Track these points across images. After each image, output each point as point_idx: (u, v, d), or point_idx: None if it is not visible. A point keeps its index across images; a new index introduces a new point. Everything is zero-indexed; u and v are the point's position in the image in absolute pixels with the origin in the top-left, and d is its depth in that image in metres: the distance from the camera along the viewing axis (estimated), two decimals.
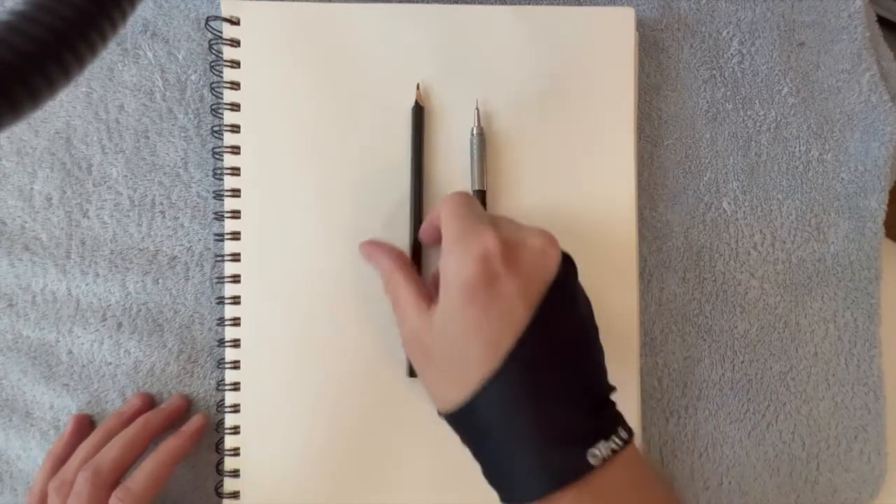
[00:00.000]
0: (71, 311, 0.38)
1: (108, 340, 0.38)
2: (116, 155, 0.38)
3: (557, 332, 0.28)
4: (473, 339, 0.27)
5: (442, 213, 0.30)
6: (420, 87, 0.37)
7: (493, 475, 0.28)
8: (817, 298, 0.40)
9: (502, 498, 0.28)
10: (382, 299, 0.37)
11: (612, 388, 0.30)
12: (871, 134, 0.40)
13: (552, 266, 0.28)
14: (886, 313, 0.40)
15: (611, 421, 0.28)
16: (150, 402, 0.38)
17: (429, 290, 0.30)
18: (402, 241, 0.37)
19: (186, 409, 0.38)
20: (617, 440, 0.27)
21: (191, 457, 0.38)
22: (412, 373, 0.37)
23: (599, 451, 0.26)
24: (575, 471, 0.26)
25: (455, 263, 0.27)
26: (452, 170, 0.38)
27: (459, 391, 0.27)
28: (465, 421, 0.28)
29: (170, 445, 0.35)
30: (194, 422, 0.37)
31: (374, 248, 0.34)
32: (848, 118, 0.41)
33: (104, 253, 0.38)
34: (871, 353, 0.40)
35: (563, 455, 0.26)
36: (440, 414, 0.30)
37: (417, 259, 0.37)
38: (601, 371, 0.30)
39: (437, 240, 0.31)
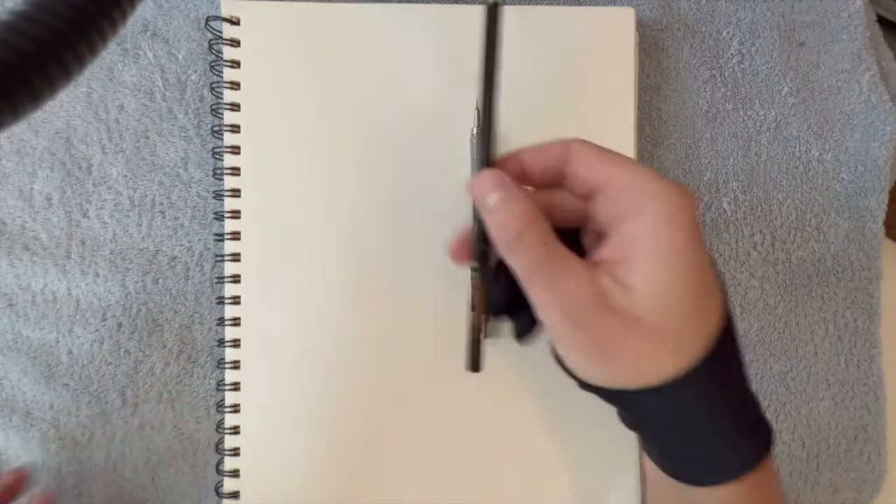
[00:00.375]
0: (71, 311, 0.38)
1: (108, 340, 0.38)
2: (116, 155, 0.38)
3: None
4: (706, 288, 0.23)
5: (593, 156, 0.25)
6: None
7: (678, 458, 0.26)
8: (817, 298, 0.40)
9: (691, 479, 0.26)
10: (383, 298, 0.37)
11: None
12: (871, 134, 0.40)
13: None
14: (886, 313, 0.40)
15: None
16: None
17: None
18: (402, 239, 0.37)
19: (25, 482, 0.36)
20: (771, 435, 0.26)
21: (190, 456, 0.38)
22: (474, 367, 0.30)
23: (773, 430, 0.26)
24: (760, 451, 0.25)
25: (680, 201, 0.23)
26: (451, 167, 0.37)
27: (683, 353, 0.23)
28: (672, 393, 0.23)
29: None
30: (35, 499, 0.35)
31: (505, 185, 0.25)
32: (848, 118, 0.41)
33: (104, 253, 0.38)
34: (871, 353, 0.40)
35: (755, 434, 0.25)
36: (613, 391, 0.25)
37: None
38: None
39: (526, 183, 0.27)
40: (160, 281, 0.38)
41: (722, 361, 0.23)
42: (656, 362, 0.23)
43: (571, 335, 0.23)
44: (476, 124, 0.37)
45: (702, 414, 0.24)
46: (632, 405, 0.25)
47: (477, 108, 0.37)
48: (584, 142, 0.26)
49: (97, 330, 0.38)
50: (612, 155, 0.25)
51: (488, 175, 0.25)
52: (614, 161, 0.25)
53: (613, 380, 0.24)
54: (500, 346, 0.38)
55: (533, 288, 0.24)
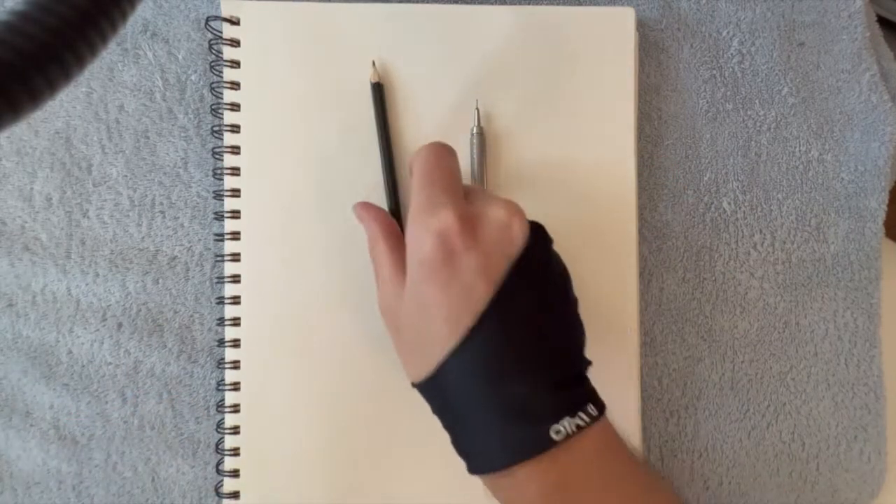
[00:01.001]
0: (71, 311, 0.38)
1: (108, 340, 0.38)
2: (116, 155, 0.38)
3: (523, 308, 0.27)
4: (434, 316, 0.27)
5: (413, 175, 0.30)
6: (376, 63, 0.37)
7: (460, 445, 0.29)
8: (817, 298, 0.40)
9: (469, 468, 0.29)
10: None
11: (587, 363, 0.29)
12: (871, 134, 0.40)
13: (517, 240, 0.27)
14: (886, 313, 0.40)
15: (580, 397, 0.27)
16: None
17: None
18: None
19: None
20: (584, 416, 0.26)
21: (190, 457, 0.38)
22: None
23: (564, 427, 0.26)
24: (536, 446, 0.26)
25: (414, 240, 0.27)
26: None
27: (425, 365, 0.28)
28: (431, 393, 0.29)
29: None
30: None
31: (365, 210, 0.34)
32: (848, 118, 0.41)
33: (104, 253, 0.38)
34: (871, 353, 0.40)
35: (524, 430, 0.26)
36: (412, 384, 0.30)
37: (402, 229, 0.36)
38: (575, 345, 0.29)
39: None
40: (160, 281, 0.38)
41: (456, 379, 0.27)
42: (410, 366, 0.30)
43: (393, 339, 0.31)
44: (476, 124, 0.37)
45: (462, 408, 0.28)
46: (422, 395, 0.30)
47: (477, 109, 0.37)
48: (419, 160, 0.30)
49: (97, 330, 0.38)
50: (420, 180, 0.29)
51: (357, 208, 0.34)
52: (416, 190, 0.29)
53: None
54: None
55: (378, 290, 0.32)
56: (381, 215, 0.33)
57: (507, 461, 0.26)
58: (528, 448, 0.26)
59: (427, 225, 0.27)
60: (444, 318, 0.27)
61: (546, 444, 0.26)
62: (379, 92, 0.37)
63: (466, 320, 0.26)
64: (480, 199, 0.29)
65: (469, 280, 0.26)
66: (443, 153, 0.30)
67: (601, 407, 0.28)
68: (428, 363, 0.27)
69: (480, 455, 0.28)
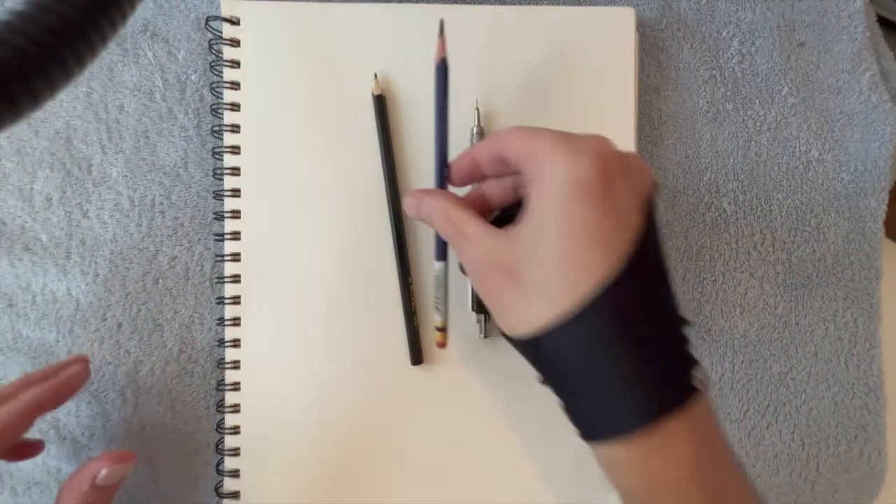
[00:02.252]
0: (71, 311, 0.38)
1: (108, 340, 0.38)
2: (116, 155, 0.38)
3: (658, 249, 0.26)
4: (588, 240, 0.24)
5: (515, 135, 0.27)
6: (378, 76, 0.37)
7: (580, 408, 0.26)
8: (817, 298, 0.40)
9: (587, 435, 0.26)
10: (383, 298, 0.37)
11: (687, 321, 0.27)
12: (871, 134, 0.40)
13: (650, 180, 0.27)
14: (886, 313, 0.40)
15: (689, 357, 0.26)
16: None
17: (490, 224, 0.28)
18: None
19: (86, 372, 0.34)
20: (701, 368, 0.25)
21: (190, 456, 0.38)
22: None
23: (697, 373, 0.24)
24: (681, 393, 0.24)
25: (565, 160, 0.24)
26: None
27: (556, 305, 0.24)
28: (556, 342, 0.25)
29: (32, 394, 0.31)
30: (70, 367, 0.33)
31: (423, 194, 0.31)
32: (848, 118, 0.41)
33: (104, 253, 0.38)
34: (871, 353, 0.40)
35: (669, 375, 0.24)
36: (515, 340, 0.27)
37: (400, 234, 0.37)
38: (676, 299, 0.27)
39: (472, 179, 0.31)
40: (160, 281, 0.38)
41: (611, 313, 0.24)
42: (527, 313, 0.25)
43: (477, 289, 0.28)
44: (475, 123, 0.37)
45: (580, 366, 0.25)
46: (527, 355, 0.27)
47: (477, 109, 0.37)
48: (516, 127, 0.28)
49: (97, 330, 0.38)
50: (533, 131, 0.27)
51: (410, 197, 0.31)
52: (533, 136, 0.26)
53: (508, 330, 0.27)
54: (499, 346, 0.38)
55: (458, 256, 0.29)
56: (439, 191, 0.31)
57: (654, 413, 0.24)
58: (673, 397, 0.24)
59: (581, 146, 0.25)
60: (602, 242, 0.24)
61: (688, 390, 0.24)
62: (381, 104, 0.37)
63: (624, 247, 0.24)
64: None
65: (625, 208, 0.25)
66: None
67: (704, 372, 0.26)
68: (561, 301, 0.24)
69: (614, 414, 0.24)
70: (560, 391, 0.27)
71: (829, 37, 0.41)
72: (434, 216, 0.30)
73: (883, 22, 0.42)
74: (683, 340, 0.26)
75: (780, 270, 0.40)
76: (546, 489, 0.38)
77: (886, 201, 0.41)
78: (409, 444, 0.37)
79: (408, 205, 0.32)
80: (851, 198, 0.40)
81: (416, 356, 0.37)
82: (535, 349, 0.26)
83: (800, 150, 0.40)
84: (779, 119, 0.40)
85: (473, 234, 0.27)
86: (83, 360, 0.34)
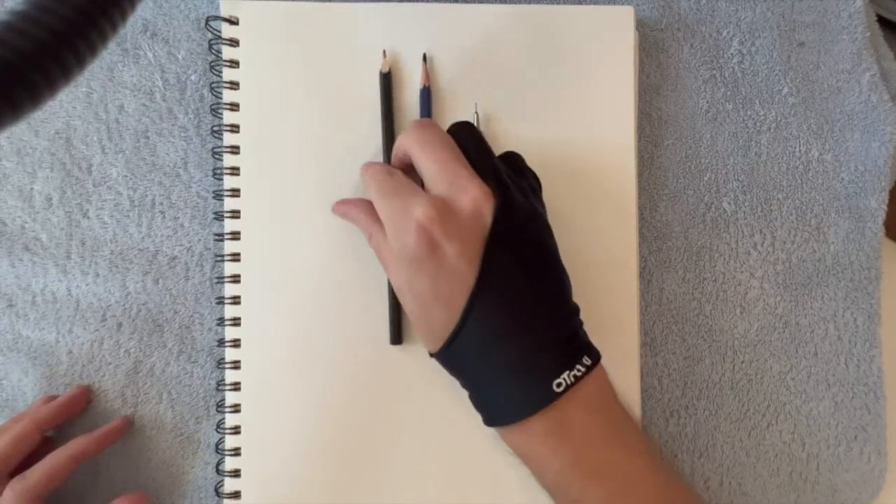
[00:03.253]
0: (71, 311, 0.38)
1: (108, 340, 0.38)
2: (116, 155, 0.38)
3: (506, 276, 0.29)
4: (431, 304, 0.29)
5: (371, 194, 0.32)
6: (386, 53, 0.37)
7: (477, 402, 0.32)
8: (817, 298, 0.40)
9: (485, 421, 0.32)
10: (382, 297, 0.37)
11: (577, 310, 0.32)
12: (871, 134, 0.40)
13: (486, 219, 0.29)
14: (886, 313, 0.40)
15: (575, 350, 0.30)
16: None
17: None
18: None
19: (85, 398, 0.37)
20: (580, 367, 0.29)
21: (190, 457, 0.38)
22: (395, 340, 0.37)
23: (564, 379, 0.29)
24: (541, 399, 0.29)
25: (397, 238, 0.29)
26: None
27: (435, 341, 0.31)
28: (446, 362, 0.32)
29: (77, 443, 0.35)
30: (113, 423, 0.37)
31: (348, 205, 0.35)
32: (848, 118, 0.41)
33: (104, 253, 0.38)
34: (871, 353, 0.40)
35: (529, 386, 0.29)
36: (429, 354, 0.32)
37: None
38: (564, 297, 0.32)
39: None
40: (160, 281, 0.38)
41: (466, 345, 0.30)
42: (424, 341, 0.32)
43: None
44: (475, 125, 0.37)
45: (475, 371, 0.31)
46: (439, 363, 0.32)
47: (476, 112, 0.37)
48: (370, 179, 0.32)
49: (97, 330, 0.38)
50: (379, 194, 0.32)
51: (335, 206, 0.36)
52: (376, 200, 0.32)
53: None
54: None
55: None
56: (364, 203, 0.34)
57: (518, 415, 0.29)
58: (534, 402, 0.29)
59: (406, 223, 0.29)
60: (440, 304, 0.29)
61: (550, 397, 0.29)
62: (387, 82, 0.37)
63: (460, 301, 0.29)
64: (444, 182, 0.30)
65: (454, 265, 0.29)
66: (387, 169, 0.32)
67: (596, 356, 0.31)
68: (437, 340, 0.30)
69: (495, 410, 0.31)
70: (463, 387, 0.32)
71: (829, 37, 0.41)
72: (361, 229, 0.34)
73: (883, 22, 0.42)
74: (558, 341, 0.30)
75: (780, 270, 0.40)
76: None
77: (886, 201, 0.41)
78: (410, 444, 0.37)
79: (335, 210, 0.36)
80: (851, 198, 0.40)
81: (397, 336, 0.37)
82: (438, 361, 0.32)
83: (800, 150, 0.40)
84: (779, 119, 0.40)
85: (387, 263, 0.32)
86: (125, 421, 0.38)
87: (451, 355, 0.31)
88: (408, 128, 0.32)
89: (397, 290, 0.32)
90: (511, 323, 0.29)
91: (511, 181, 0.31)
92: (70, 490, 0.37)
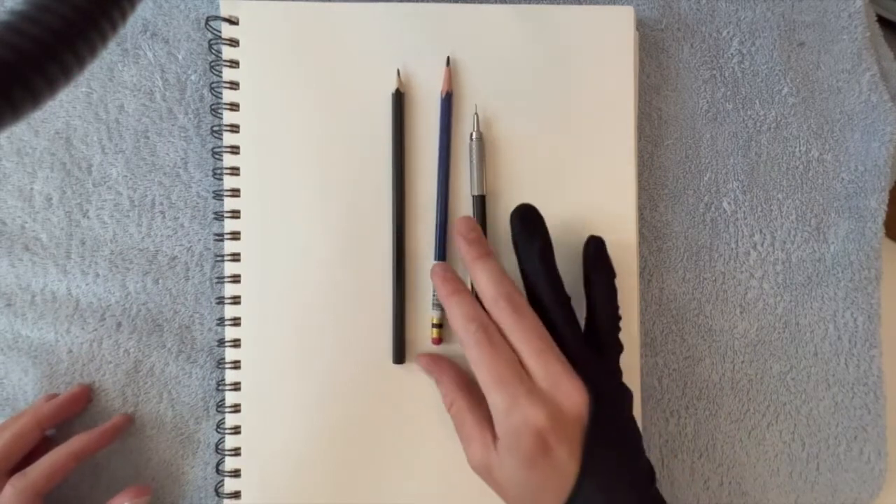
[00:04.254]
0: (70, 311, 0.38)
1: (107, 340, 0.38)
2: (116, 155, 0.38)
3: (606, 460, 0.30)
4: (538, 494, 0.30)
5: (476, 368, 0.31)
6: (400, 72, 0.37)
7: None
8: (817, 298, 0.40)
9: None
10: (383, 297, 0.37)
11: (651, 468, 0.32)
12: (871, 134, 0.40)
13: (585, 419, 0.30)
14: (886, 313, 0.40)
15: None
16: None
17: (489, 415, 0.32)
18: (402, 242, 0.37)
19: (85, 397, 0.38)
20: None
21: (190, 457, 0.38)
22: (398, 359, 0.37)
23: None
24: None
25: (512, 434, 0.30)
26: (451, 171, 0.38)
27: None
28: None
29: (79, 440, 0.35)
30: (113, 420, 0.37)
31: (435, 364, 0.36)
32: (848, 118, 0.41)
33: (104, 253, 0.38)
34: (871, 353, 0.40)
35: None
36: None
37: (400, 235, 0.37)
38: (644, 460, 0.32)
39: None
40: (160, 281, 0.38)
41: None
42: None
43: (491, 488, 0.32)
44: (475, 129, 0.37)
45: None
46: None
47: (476, 114, 0.37)
48: (475, 337, 0.31)
49: (95, 329, 0.38)
50: (485, 362, 0.31)
51: (422, 360, 0.36)
52: (480, 372, 0.31)
53: None
54: None
55: (462, 444, 0.33)
56: (452, 369, 0.35)
57: None
58: None
59: (523, 422, 0.30)
60: (549, 494, 0.30)
61: None
62: (399, 101, 0.37)
63: (564, 494, 0.30)
64: (543, 375, 0.31)
65: (562, 465, 0.30)
66: (494, 341, 0.31)
67: None
68: None
69: None
70: None
71: (829, 37, 0.41)
72: (440, 391, 0.35)
73: (883, 22, 0.42)
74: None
75: (780, 270, 0.40)
76: None
77: (886, 201, 0.41)
78: (410, 444, 0.37)
79: (419, 362, 0.37)
80: (851, 198, 0.40)
81: (399, 355, 0.37)
82: None
83: (800, 150, 0.40)
84: (779, 119, 0.40)
85: (470, 437, 0.32)
86: (126, 418, 0.38)
87: None
88: (495, 297, 0.31)
89: (499, 479, 0.31)
90: (611, 498, 0.30)
91: (592, 359, 0.33)
92: (70, 490, 0.37)
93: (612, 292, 0.35)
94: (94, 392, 0.38)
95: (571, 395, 0.30)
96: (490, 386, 0.30)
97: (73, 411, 0.37)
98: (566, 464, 0.30)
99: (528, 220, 0.34)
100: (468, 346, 0.31)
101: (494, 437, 0.31)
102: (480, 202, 0.37)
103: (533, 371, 0.31)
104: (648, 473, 0.32)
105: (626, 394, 0.33)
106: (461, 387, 0.34)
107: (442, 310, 0.36)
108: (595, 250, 0.35)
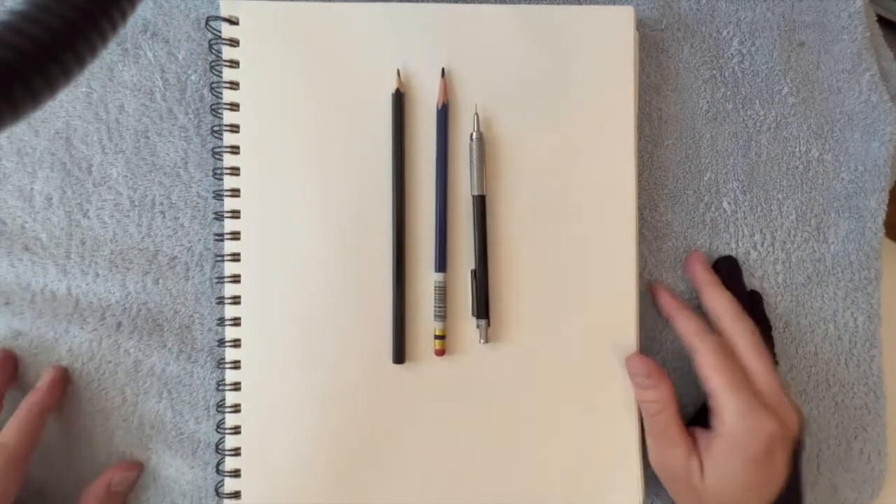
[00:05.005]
0: (69, 311, 0.38)
1: (106, 340, 0.38)
2: (116, 155, 0.38)
3: (795, 477, 0.34)
4: (752, 495, 0.33)
5: (716, 374, 0.34)
6: (400, 73, 0.37)
7: None
8: (817, 298, 0.40)
9: None
10: (383, 297, 0.37)
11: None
12: (871, 134, 0.40)
13: (797, 434, 0.34)
14: (886, 313, 0.40)
15: None
16: None
17: (687, 429, 0.35)
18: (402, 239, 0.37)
19: (61, 376, 0.38)
20: None
21: (189, 457, 0.38)
22: (398, 360, 0.37)
23: None
24: None
25: (748, 435, 0.33)
26: (451, 171, 0.38)
27: None
28: None
29: (30, 400, 0.36)
30: (48, 374, 0.37)
31: (657, 369, 0.37)
32: (848, 118, 0.41)
33: (104, 253, 0.38)
34: (871, 353, 0.40)
35: None
36: None
37: (400, 235, 0.37)
38: None
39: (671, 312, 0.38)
40: (160, 281, 0.38)
41: None
42: None
43: (670, 489, 0.36)
44: (475, 129, 0.37)
45: None
46: None
47: (476, 114, 0.37)
48: (713, 344, 0.35)
49: (95, 329, 0.38)
50: (722, 368, 0.34)
51: (641, 362, 0.37)
52: (718, 375, 0.34)
53: None
54: (499, 351, 0.38)
55: (655, 447, 0.36)
56: (668, 381, 0.36)
57: None
58: None
59: (760, 426, 0.33)
60: (760, 499, 0.33)
61: None
62: (399, 101, 0.37)
63: (772, 496, 0.33)
64: (773, 394, 0.34)
65: (780, 470, 0.33)
66: (728, 353, 0.35)
67: None
68: None
69: None
70: None
71: (829, 37, 0.41)
72: (651, 396, 0.36)
73: (883, 22, 0.42)
74: None
75: (780, 270, 0.40)
76: (539, 495, 0.38)
77: (886, 201, 0.41)
78: (410, 444, 0.37)
79: (634, 364, 0.37)
80: (851, 198, 0.40)
81: (399, 355, 0.37)
82: None
83: (800, 150, 0.40)
84: (779, 119, 0.40)
85: (674, 440, 0.35)
86: (60, 368, 0.38)
87: None
88: (738, 315, 0.36)
89: (697, 484, 0.34)
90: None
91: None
92: (71, 488, 0.37)
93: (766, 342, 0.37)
94: (94, 391, 0.38)
95: (792, 414, 0.34)
96: (727, 388, 0.33)
97: (63, 386, 0.38)
98: (780, 472, 0.33)
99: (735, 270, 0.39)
100: (704, 352, 0.34)
101: (694, 446, 0.34)
102: (480, 202, 0.37)
103: (761, 386, 0.34)
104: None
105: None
106: (674, 399, 0.36)
107: (444, 321, 0.37)
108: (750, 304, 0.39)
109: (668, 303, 0.38)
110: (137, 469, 0.38)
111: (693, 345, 0.35)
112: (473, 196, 0.37)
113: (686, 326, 0.36)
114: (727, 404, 0.33)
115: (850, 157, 0.40)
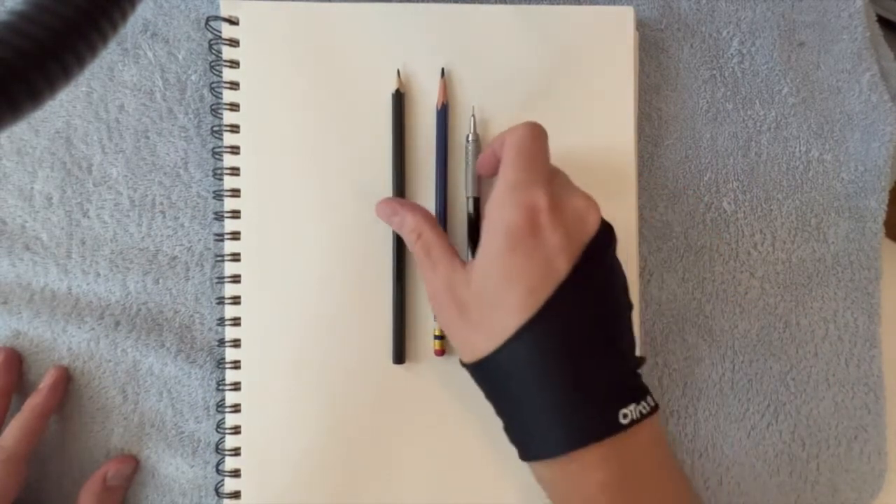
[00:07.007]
0: (69, 310, 0.38)
1: (104, 340, 0.38)
2: (116, 155, 0.38)
3: (594, 291, 0.28)
4: (514, 284, 0.27)
5: (505, 152, 0.30)
6: (400, 73, 0.37)
7: (515, 430, 0.29)
8: (817, 298, 0.40)
9: (522, 455, 0.29)
10: (383, 297, 0.37)
11: (642, 360, 0.30)
12: (871, 134, 0.40)
13: (592, 227, 0.29)
14: (886, 313, 0.40)
15: (641, 387, 0.28)
16: None
17: (455, 250, 0.32)
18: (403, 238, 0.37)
19: (63, 377, 0.38)
20: (646, 405, 0.28)
21: (189, 456, 0.38)
22: (398, 360, 0.37)
23: (630, 412, 0.27)
24: (605, 428, 0.26)
25: (504, 211, 0.28)
26: (451, 171, 0.38)
27: (492, 339, 0.28)
28: (492, 370, 0.29)
29: (33, 402, 0.36)
30: (50, 375, 0.37)
31: (399, 204, 0.34)
32: (848, 118, 0.41)
33: (104, 253, 0.38)
34: (871, 353, 0.40)
35: (594, 411, 0.27)
36: (465, 365, 0.30)
37: (401, 263, 0.37)
38: (632, 343, 0.30)
39: (494, 171, 0.32)
40: (160, 281, 0.38)
41: (532, 349, 0.27)
42: (472, 346, 0.29)
43: (434, 312, 0.32)
44: (472, 130, 0.37)
45: (525, 387, 0.28)
46: (475, 379, 0.31)
47: (473, 115, 0.37)
48: (509, 141, 0.30)
49: (93, 329, 0.38)
50: (507, 163, 0.29)
51: (384, 203, 0.34)
52: (503, 168, 0.29)
53: (459, 355, 0.31)
54: None
55: (424, 275, 0.32)
56: (415, 206, 0.34)
57: (573, 444, 0.26)
58: (595, 431, 0.26)
59: (518, 199, 0.28)
60: (524, 287, 0.27)
61: (614, 428, 0.26)
62: (399, 101, 0.37)
63: (545, 292, 0.27)
64: (563, 187, 0.30)
65: (551, 255, 0.27)
66: (538, 134, 0.30)
67: (657, 402, 0.29)
68: (497, 337, 0.28)
69: (541, 439, 0.28)
70: (500, 414, 0.30)
71: (829, 37, 0.41)
72: (405, 229, 0.33)
73: (883, 22, 0.42)
74: (624, 376, 0.28)
75: (780, 270, 0.40)
76: (539, 495, 0.38)
77: (886, 201, 0.41)
78: (410, 445, 0.37)
79: (380, 209, 0.35)
80: (851, 198, 0.40)
81: (399, 355, 0.37)
82: (478, 374, 0.30)
83: (800, 150, 0.40)
84: (779, 119, 0.40)
85: (437, 259, 0.31)
86: (62, 369, 0.38)
87: (503, 361, 0.28)
88: (517, 127, 0.30)
89: (463, 295, 0.29)
90: (586, 337, 0.27)
91: None
92: (72, 486, 0.37)
93: None
94: (94, 391, 0.38)
95: (583, 199, 0.29)
96: (513, 160, 0.29)
97: (64, 387, 0.38)
98: (555, 255, 0.27)
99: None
100: (513, 133, 0.30)
101: (462, 263, 0.30)
102: (475, 204, 0.37)
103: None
104: (634, 356, 0.30)
105: (622, 271, 0.32)
106: (432, 222, 0.32)
107: None
108: None
109: (385, 210, 0.34)
110: (132, 462, 0.37)
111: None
112: (468, 199, 0.37)
113: (416, 209, 0.33)
114: (505, 176, 0.29)
115: (850, 157, 0.40)
